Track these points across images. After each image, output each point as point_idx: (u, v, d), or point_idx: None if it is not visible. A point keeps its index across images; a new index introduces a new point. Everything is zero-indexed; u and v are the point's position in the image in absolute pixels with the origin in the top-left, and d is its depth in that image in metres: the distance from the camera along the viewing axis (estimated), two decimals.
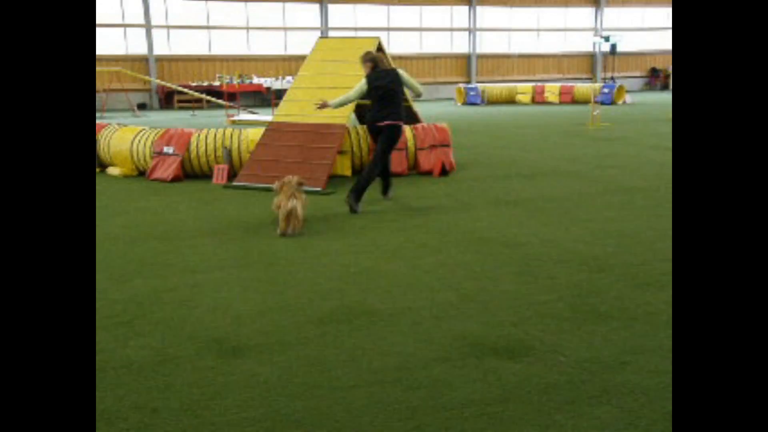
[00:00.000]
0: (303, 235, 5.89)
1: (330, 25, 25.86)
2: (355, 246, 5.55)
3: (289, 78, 23.57)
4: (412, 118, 10.36)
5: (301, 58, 18.16)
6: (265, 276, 4.79)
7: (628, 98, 22.82)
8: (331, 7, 25.76)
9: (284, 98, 9.44)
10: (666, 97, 22.90)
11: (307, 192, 7.82)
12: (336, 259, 5.16)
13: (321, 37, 10.93)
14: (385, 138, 6.93)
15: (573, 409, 2.88)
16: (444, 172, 8.92)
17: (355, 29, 26.20)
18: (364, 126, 8.28)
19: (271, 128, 8.80)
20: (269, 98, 22.05)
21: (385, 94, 6.93)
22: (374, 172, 6.91)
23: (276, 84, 23.20)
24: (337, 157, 8.58)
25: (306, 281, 4.66)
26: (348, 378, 3.21)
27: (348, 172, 8.85)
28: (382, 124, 6.91)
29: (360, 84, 7.09)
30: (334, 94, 8.92)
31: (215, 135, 9.03)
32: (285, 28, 25.82)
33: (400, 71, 7.11)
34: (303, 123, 8.67)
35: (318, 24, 25.94)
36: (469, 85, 24.49)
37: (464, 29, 28.24)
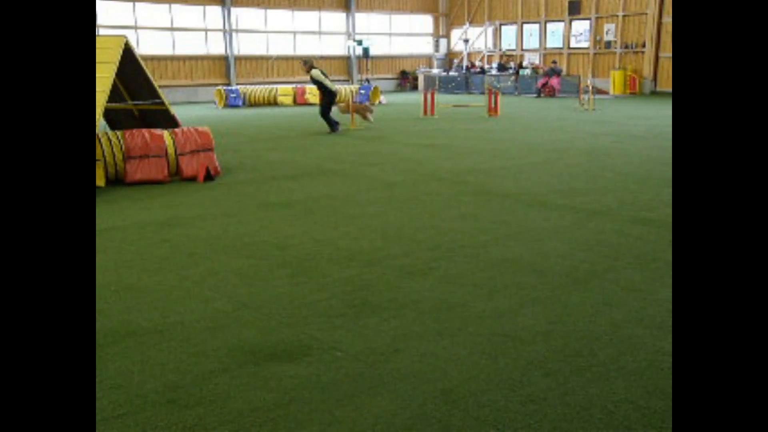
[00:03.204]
0: None
1: None
2: (116, 261, 5.11)
3: None
4: (170, 122, 9.88)
5: None
6: None
7: (383, 99, 24.18)
8: None
9: None
10: (415, 97, 24.66)
11: None
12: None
13: None
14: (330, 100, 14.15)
15: (352, 403, 2.95)
16: (209, 177, 8.64)
17: (99, 26, 24.18)
18: (116, 132, 8.73)
19: None
20: None
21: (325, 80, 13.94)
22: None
23: None
24: None
25: None
26: (113, 407, 2.93)
27: (101, 182, 8.14)
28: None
29: (325, 75, 14.03)
30: None
31: None
32: None
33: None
34: None
35: None
36: (229, 88, 24.00)
37: (219, 30, 27.61)
